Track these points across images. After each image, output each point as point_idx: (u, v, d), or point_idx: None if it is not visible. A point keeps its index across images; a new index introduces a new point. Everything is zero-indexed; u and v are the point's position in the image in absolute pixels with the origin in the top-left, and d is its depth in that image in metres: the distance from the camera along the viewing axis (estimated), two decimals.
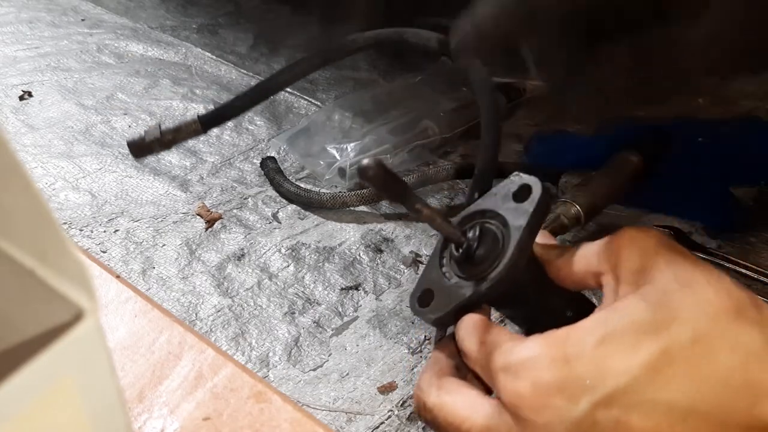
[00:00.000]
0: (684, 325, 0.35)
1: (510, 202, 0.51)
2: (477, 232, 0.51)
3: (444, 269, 0.51)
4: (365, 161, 0.46)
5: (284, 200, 0.99)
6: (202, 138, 1.16)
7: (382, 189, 0.51)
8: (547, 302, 0.51)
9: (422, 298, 0.50)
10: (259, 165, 1.07)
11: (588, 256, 0.43)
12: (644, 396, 0.34)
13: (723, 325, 0.35)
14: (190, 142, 1.14)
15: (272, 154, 1.09)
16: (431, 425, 0.42)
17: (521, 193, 0.50)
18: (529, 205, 0.50)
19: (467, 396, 0.40)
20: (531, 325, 0.52)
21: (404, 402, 0.71)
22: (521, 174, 0.50)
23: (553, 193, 0.65)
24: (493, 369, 0.38)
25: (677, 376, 0.34)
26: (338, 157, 1.03)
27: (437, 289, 0.50)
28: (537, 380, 0.36)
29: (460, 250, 0.51)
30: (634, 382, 0.35)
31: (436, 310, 0.49)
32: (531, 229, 0.49)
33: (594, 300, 0.48)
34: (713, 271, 0.37)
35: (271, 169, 1.04)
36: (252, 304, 0.83)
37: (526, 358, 0.37)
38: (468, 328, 0.43)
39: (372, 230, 0.94)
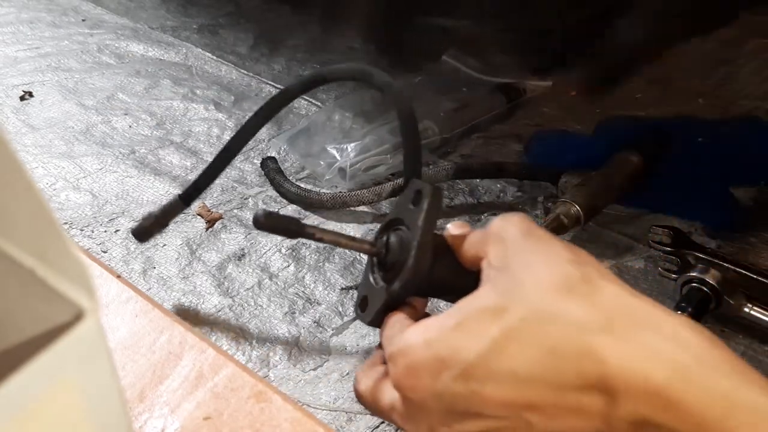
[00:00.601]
0: (520, 306, 0.41)
1: (410, 207, 0.58)
2: (384, 240, 0.59)
3: (373, 276, 0.58)
4: (256, 213, 0.58)
5: (285, 200, 0.99)
6: (202, 138, 1.16)
7: (276, 232, 0.62)
8: (467, 285, 0.54)
9: (361, 304, 0.58)
10: (259, 165, 1.07)
11: (474, 243, 0.50)
12: (492, 369, 0.40)
13: (553, 302, 0.41)
14: (191, 142, 1.14)
15: (272, 154, 1.09)
16: (366, 408, 0.50)
17: (416, 198, 0.58)
18: (422, 207, 0.58)
19: (379, 383, 0.47)
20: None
21: None
22: (415, 180, 0.59)
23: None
24: (387, 354, 0.46)
25: (517, 349, 0.40)
26: (338, 158, 1.03)
27: (370, 294, 0.58)
28: (408, 364, 0.43)
29: (375, 259, 0.59)
30: (483, 358, 0.41)
31: (369, 313, 0.56)
32: (426, 228, 0.56)
33: None
34: (558, 252, 0.44)
35: (271, 170, 1.04)
36: (252, 304, 0.83)
37: (402, 346, 0.44)
38: (384, 325, 0.50)
39: (372, 230, 0.94)
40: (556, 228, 0.86)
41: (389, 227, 0.61)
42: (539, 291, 0.42)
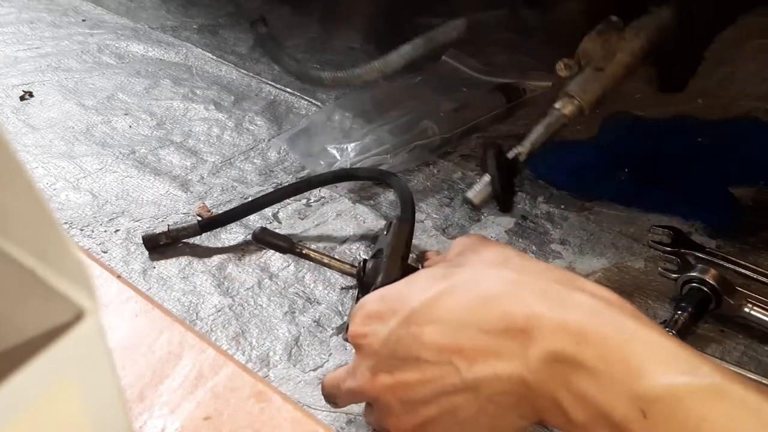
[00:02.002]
0: (465, 270, 0.49)
1: (384, 236, 0.74)
2: (362, 263, 0.73)
3: (357, 301, 0.67)
4: (255, 229, 0.84)
5: (285, 200, 0.99)
6: (202, 138, 1.16)
7: (270, 246, 0.83)
8: None
9: (346, 326, 0.68)
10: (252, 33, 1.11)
11: (436, 255, 0.66)
12: (432, 315, 0.46)
13: (492, 269, 0.48)
14: (191, 142, 1.14)
15: (272, 155, 1.09)
16: (327, 400, 0.58)
17: (388, 228, 0.75)
18: (389, 236, 0.73)
19: (341, 369, 0.55)
20: None
21: None
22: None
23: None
24: (348, 324, 0.53)
25: (454, 299, 0.46)
26: (338, 157, 1.03)
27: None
28: (363, 314, 0.51)
29: (359, 290, 0.73)
30: (425, 306, 0.47)
31: (345, 330, 0.69)
32: (392, 252, 0.71)
33: None
34: (504, 247, 0.54)
35: (263, 37, 1.06)
36: (252, 303, 0.83)
37: (360, 303, 0.52)
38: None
39: (372, 230, 0.94)
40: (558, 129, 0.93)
41: (374, 257, 0.73)
42: (482, 263, 0.51)
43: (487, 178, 0.88)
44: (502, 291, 0.45)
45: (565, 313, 0.42)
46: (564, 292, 0.43)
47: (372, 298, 0.51)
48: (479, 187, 0.89)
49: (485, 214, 0.98)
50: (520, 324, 0.42)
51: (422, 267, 0.66)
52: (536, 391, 0.42)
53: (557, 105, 0.90)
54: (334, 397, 0.56)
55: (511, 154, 0.89)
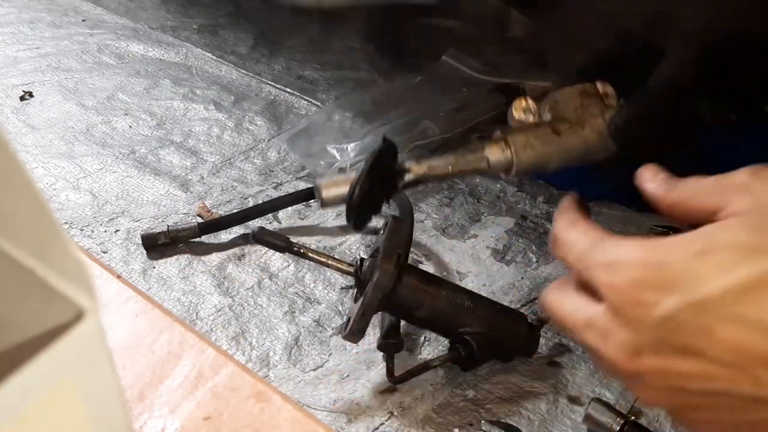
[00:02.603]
0: None
1: (380, 235, 0.72)
2: (359, 262, 0.72)
3: (355, 302, 0.70)
4: (253, 229, 0.80)
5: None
6: (202, 138, 1.16)
7: (269, 246, 0.81)
8: (435, 306, 0.69)
9: (345, 326, 0.70)
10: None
11: (705, 194, 0.44)
12: (733, 310, 0.36)
13: None
14: (191, 142, 1.14)
15: (273, 153, 1.09)
16: (552, 322, 0.47)
17: (385, 226, 0.73)
18: (385, 234, 0.71)
19: (575, 297, 0.44)
20: (429, 327, 0.74)
21: (404, 404, 0.71)
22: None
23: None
24: (591, 262, 0.42)
25: None
26: (338, 158, 1.03)
27: (352, 314, 0.69)
28: (633, 276, 0.39)
29: (357, 290, 0.71)
30: (726, 295, 0.36)
31: (345, 326, 0.70)
32: (387, 250, 0.69)
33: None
34: None
35: None
36: (252, 303, 0.83)
37: (626, 258, 0.40)
38: (565, 220, 0.47)
39: (372, 230, 0.94)
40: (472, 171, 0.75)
41: (371, 256, 0.72)
42: None
43: (351, 175, 0.70)
44: None
45: None
46: None
47: (644, 259, 0.39)
48: (337, 179, 0.70)
49: (485, 214, 0.98)
50: None
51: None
52: None
53: (488, 149, 0.72)
54: (556, 319, 0.47)
55: (407, 161, 0.70)
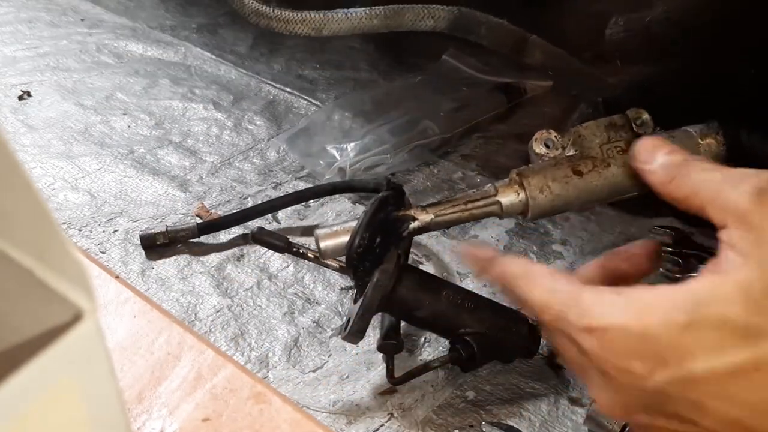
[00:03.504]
0: None
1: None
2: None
3: (355, 303, 0.68)
4: (252, 229, 0.79)
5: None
6: (201, 138, 1.15)
7: (268, 246, 0.80)
8: (435, 307, 0.68)
9: (344, 327, 0.68)
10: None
11: (702, 197, 0.43)
12: (723, 390, 0.35)
13: None
14: (190, 142, 1.14)
15: (272, 153, 1.09)
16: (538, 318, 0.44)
17: None
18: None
19: (564, 317, 0.41)
20: (429, 328, 0.73)
21: (404, 405, 0.71)
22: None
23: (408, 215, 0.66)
24: (572, 325, 0.40)
25: (763, 382, 0.34)
26: (338, 157, 1.03)
27: (350, 315, 0.67)
28: (619, 347, 0.37)
29: (356, 291, 0.69)
30: (716, 376, 0.35)
31: (345, 327, 0.67)
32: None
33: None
34: None
35: None
36: (251, 304, 0.83)
37: (609, 324, 0.38)
38: (525, 277, 0.44)
39: None
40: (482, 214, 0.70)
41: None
42: None
43: (351, 224, 0.66)
44: None
45: None
46: None
47: (629, 327, 0.37)
48: (337, 230, 0.67)
49: None
50: None
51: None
52: None
53: (501, 193, 0.66)
54: (543, 321, 0.44)
55: (412, 208, 0.66)
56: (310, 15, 0.92)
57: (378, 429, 0.68)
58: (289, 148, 1.11)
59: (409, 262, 0.76)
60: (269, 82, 1.32)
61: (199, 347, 0.54)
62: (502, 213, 0.67)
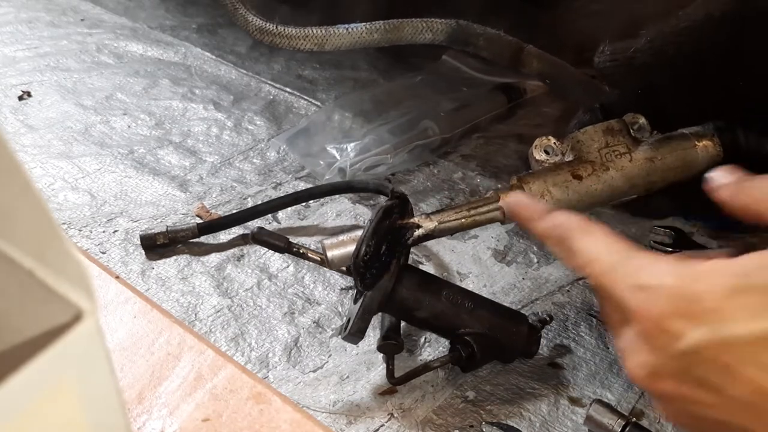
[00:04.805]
0: None
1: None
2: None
3: (355, 304, 0.68)
4: (252, 229, 0.76)
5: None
6: (201, 138, 1.15)
7: (268, 246, 0.78)
8: (435, 307, 0.68)
9: (344, 327, 0.68)
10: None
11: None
12: (757, 355, 0.35)
13: None
14: (190, 142, 1.14)
15: (272, 153, 1.09)
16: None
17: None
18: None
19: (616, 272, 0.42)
20: (430, 328, 0.73)
21: (405, 405, 0.71)
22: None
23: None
24: (620, 281, 0.41)
25: None
26: (338, 157, 1.03)
27: (350, 315, 0.68)
28: (664, 305, 0.38)
29: (356, 291, 0.68)
30: (753, 340, 0.35)
31: (345, 327, 0.68)
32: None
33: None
34: None
35: None
36: (251, 304, 0.83)
37: (658, 283, 0.39)
38: (582, 228, 0.45)
39: None
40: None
41: None
42: None
43: (357, 234, 0.67)
44: None
45: None
46: None
47: (676, 287, 0.38)
48: (343, 239, 0.69)
49: None
50: None
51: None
52: None
53: (503, 199, 0.67)
54: (534, 227, 0.46)
55: (416, 216, 0.67)
56: (312, 31, 0.93)
57: (378, 429, 0.68)
58: (289, 148, 1.11)
59: (409, 262, 0.76)
60: (269, 82, 1.32)
61: (199, 347, 0.54)
62: (504, 219, 0.68)
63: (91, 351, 0.27)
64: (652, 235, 0.84)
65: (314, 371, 0.75)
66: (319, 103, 1.25)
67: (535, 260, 0.89)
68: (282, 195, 0.99)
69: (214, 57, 1.42)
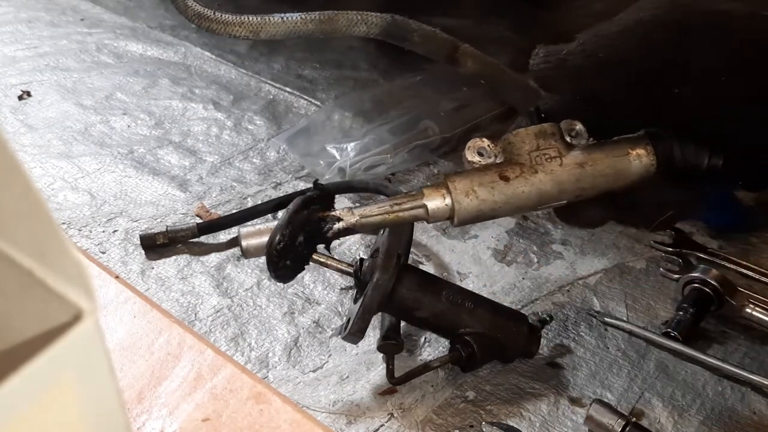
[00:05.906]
0: None
1: (381, 236, 0.69)
2: (359, 262, 0.69)
3: (355, 303, 0.68)
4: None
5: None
6: (201, 138, 1.15)
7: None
8: (435, 307, 0.68)
9: (344, 326, 0.68)
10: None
11: None
12: None
13: None
14: (190, 142, 1.14)
15: (271, 153, 1.09)
16: None
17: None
18: (385, 235, 0.68)
19: None
20: (430, 328, 0.73)
21: (405, 405, 0.71)
22: None
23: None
24: None
25: None
26: (338, 157, 1.03)
27: (350, 315, 0.68)
28: None
29: (357, 291, 0.69)
30: None
31: (345, 327, 0.67)
32: (388, 251, 0.66)
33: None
34: None
35: None
36: (251, 304, 0.83)
37: None
38: None
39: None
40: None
41: (371, 256, 0.70)
42: None
43: (274, 224, 0.66)
44: None
45: None
46: None
47: None
48: (260, 228, 0.69)
49: None
50: None
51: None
52: None
53: (427, 196, 0.67)
54: None
55: (338, 209, 0.67)
56: (248, 18, 0.93)
57: (378, 429, 0.68)
58: (289, 148, 1.10)
59: (409, 262, 0.76)
60: (269, 81, 1.32)
61: (199, 347, 0.54)
62: (428, 217, 0.68)
63: (91, 351, 0.27)
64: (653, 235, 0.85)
65: (314, 371, 0.75)
66: (318, 103, 1.25)
67: (535, 260, 0.89)
68: (281, 195, 0.99)
69: (213, 56, 1.42)
